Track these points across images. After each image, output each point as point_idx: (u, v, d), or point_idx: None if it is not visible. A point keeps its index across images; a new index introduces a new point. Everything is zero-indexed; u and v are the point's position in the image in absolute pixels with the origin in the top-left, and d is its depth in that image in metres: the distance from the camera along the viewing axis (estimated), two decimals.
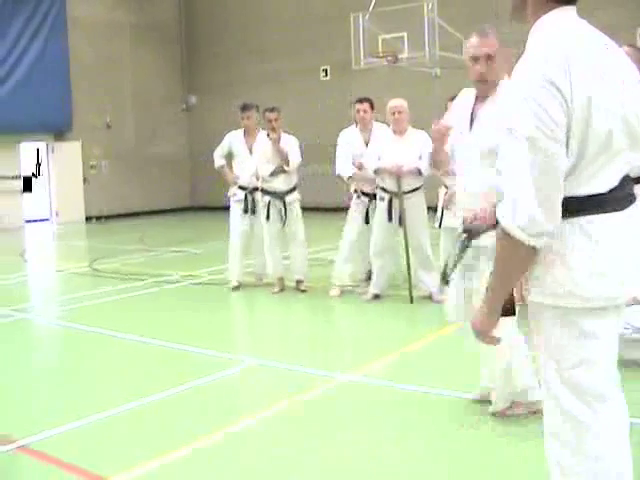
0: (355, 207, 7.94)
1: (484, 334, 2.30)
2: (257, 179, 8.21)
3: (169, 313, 7.44)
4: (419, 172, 7.15)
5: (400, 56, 14.58)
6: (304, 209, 8.28)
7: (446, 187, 6.98)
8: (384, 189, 7.33)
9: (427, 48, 14.11)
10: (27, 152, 19.65)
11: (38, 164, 19.62)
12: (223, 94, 20.74)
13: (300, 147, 8.17)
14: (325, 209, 16.28)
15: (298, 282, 8.29)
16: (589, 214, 2.11)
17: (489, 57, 3.80)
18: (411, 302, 7.22)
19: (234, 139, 8.59)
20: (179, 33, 22.86)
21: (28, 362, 5.83)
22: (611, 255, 2.13)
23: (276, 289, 8.19)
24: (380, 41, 14.78)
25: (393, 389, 4.68)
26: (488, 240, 3.35)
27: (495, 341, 2.33)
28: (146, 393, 4.70)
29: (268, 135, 7.99)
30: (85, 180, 20.12)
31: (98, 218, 19.73)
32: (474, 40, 3.81)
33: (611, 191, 2.12)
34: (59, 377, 5.40)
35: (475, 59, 3.81)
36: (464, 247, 3.57)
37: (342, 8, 17.05)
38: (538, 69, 2.04)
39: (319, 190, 15.52)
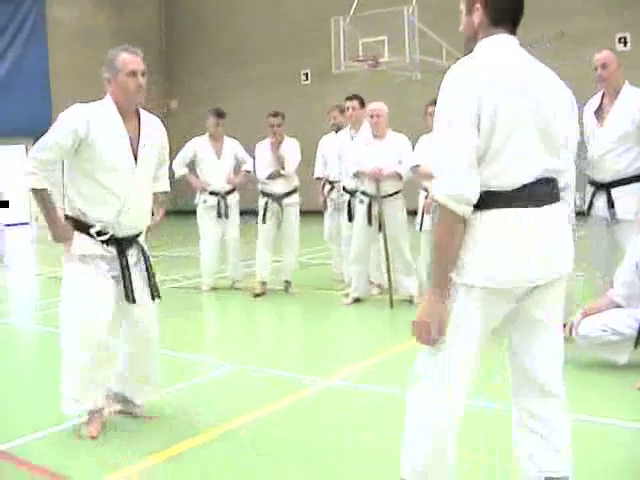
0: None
1: (425, 325, 2.73)
2: (256, 182, 8.23)
3: None
4: (399, 176, 7.16)
5: (380, 60, 14.60)
6: None
7: (426, 191, 7.00)
8: (364, 193, 7.33)
9: (407, 52, 14.14)
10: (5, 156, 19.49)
11: None
12: (204, 99, 20.66)
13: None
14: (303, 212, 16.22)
15: (287, 282, 8.31)
16: (505, 207, 2.40)
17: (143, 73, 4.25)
18: (391, 306, 7.20)
19: (200, 145, 8.47)
20: (159, 38, 22.78)
21: (7, 366, 5.78)
22: (520, 245, 2.40)
23: (257, 291, 8.13)
24: (360, 45, 14.80)
25: (374, 392, 4.68)
26: None
27: (433, 341, 2.70)
28: None
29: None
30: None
31: None
32: (132, 57, 4.28)
33: (525, 187, 2.41)
34: (38, 382, 5.34)
35: (134, 73, 4.22)
36: None
37: (322, 12, 17.08)
38: (462, 72, 2.43)
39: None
